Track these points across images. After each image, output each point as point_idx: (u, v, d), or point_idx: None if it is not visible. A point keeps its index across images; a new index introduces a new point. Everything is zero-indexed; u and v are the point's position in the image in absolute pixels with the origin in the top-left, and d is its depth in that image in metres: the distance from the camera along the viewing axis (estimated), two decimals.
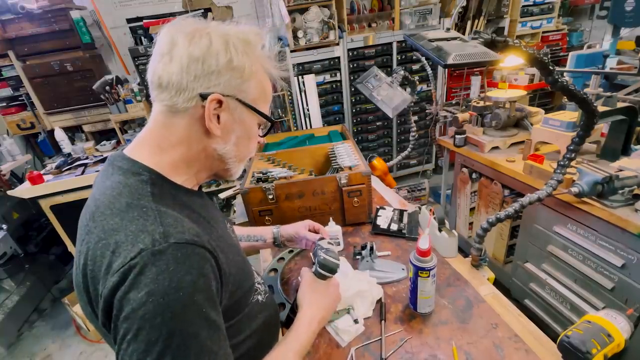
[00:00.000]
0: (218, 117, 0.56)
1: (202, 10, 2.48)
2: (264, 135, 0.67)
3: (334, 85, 3.10)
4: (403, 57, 3.13)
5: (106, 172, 0.57)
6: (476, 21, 3.13)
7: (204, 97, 0.53)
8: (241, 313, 0.65)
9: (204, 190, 0.76)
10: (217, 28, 0.55)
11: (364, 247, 1.10)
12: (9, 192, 2.08)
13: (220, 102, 0.55)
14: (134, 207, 0.49)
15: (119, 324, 0.44)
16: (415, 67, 3.17)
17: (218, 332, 0.49)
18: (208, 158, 0.60)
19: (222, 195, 2.28)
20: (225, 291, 0.55)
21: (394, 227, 1.27)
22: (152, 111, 0.58)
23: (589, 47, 2.51)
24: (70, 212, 2.14)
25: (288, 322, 0.86)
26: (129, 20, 2.53)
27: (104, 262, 0.45)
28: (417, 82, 3.17)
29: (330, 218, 1.19)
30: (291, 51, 2.84)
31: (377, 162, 1.86)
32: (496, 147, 1.88)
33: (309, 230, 1.03)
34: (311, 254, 1.15)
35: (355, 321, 0.88)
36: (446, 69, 2.71)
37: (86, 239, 0.50)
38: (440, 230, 1.12)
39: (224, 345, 0.51)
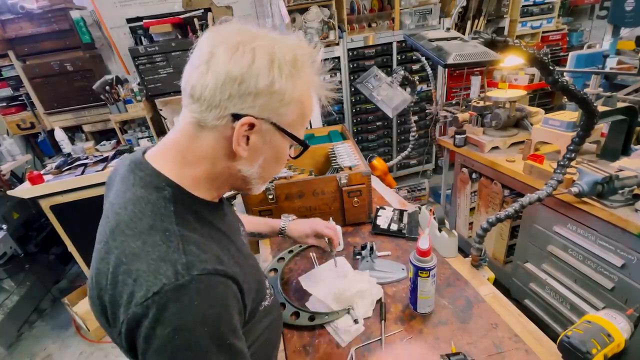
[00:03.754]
0: (247, 138, 0.53)
1: (202, 10, 2.48)
2: (296, 157, 0.63)
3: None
4: (403, 57, 3.13)
5: (126, 180, 0.55)
6: (476, 21, 3.13)
7: (235, 117, 0.50)
8: (250, 322, 0.64)
9: None
10: (265, 42, 0.50)
11: (364, 247, 1.10)
12: (9, 192, 2.08)
13: (252, 125, 0.51)
14: (156, 229, 0.48)
15: (149, 354, 0.44)
16: (415, 67, 3.17)
17: (242, 358, 0.50)
18: (231, 177, 0.58)
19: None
20: (247, 312, 0.56)
21: (394, 227, 1.27)
22: (180, 116, 0.55)
23: (589, 47, 2.51)
24: (70, 212, 2.13)
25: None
26: (129, 20, 2.52)
27: (126, 290, 0.45)
28: (417, 82, 3.17)
29: (330, 218, 1.19)
30: None
31: (377, 162, 1.86)
32: (496, 147, 1.88)
33: (318, 236, 1.03)
34: None
35: (355, 321, 0.89)
36: (446, 69, 2.71)
37: (106, 258, 0.49)
38: (440, 230, 1.12)
39: None
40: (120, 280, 0.46)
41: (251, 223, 1.04)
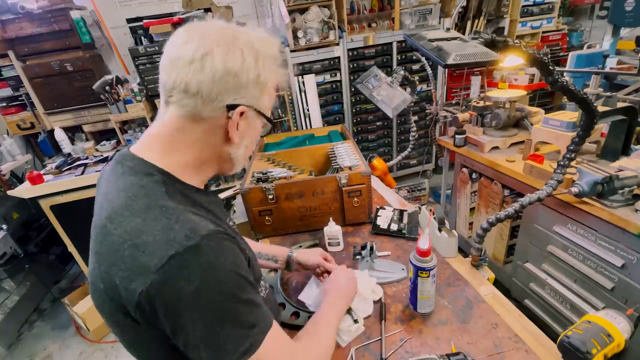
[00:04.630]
0: (237, 124, 0.59)
1: (202, 10, 2.48)
2: (264, 136, 0.69)
3: (334, 85, 3.10)
4: (403, 57, 3.13)
5: (115, 172, 0.58)
6: (476, 21, 3.13)
7: (230, 108, 0.56)
8: None
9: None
10: (247, 39, 0.57)
11: (364, 247, 1.10)
12: (9, 192, 2.08)
13: (242, 113, 0.58)
14: (153, 207, 0.52)
15: (179, 313, 0.48)
16: (415, 67, 3.17)
17: (259, 291, 0.59)
18: (219, 160, 0.64)
19: (222, 195, 2.27)
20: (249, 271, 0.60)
21: (394, 227, 1.27)
22: (165, 112, 0.58)
23: (589, 47, 2.50)
24: (70, 212, 2.13)
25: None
26: (129, 20, 2.52)
27: (137, 262, 0.47)
28: (417, 82, 3.17)
29: (330, 218, 1.19)
30: (291, 51, 2.83)
31: (377, 162, 1.86)
32: (496, 147, 1.88)
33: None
34: None
35: (355, 321, 0.89)
36: (446, 69, 2.71)
37: (105, 241, 0.51)
38: (440, 230, 1.12)
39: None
40: (127, 255, 0.48)
41: (261, 246, 1.05)
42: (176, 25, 2.44)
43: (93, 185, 2.11)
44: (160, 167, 0.57)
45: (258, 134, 0.67)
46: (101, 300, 0.53)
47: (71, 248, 2.26)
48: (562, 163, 1.17)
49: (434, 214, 1.11)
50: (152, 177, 0.55)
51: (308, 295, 1.02)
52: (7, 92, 2.53)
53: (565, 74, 2.09)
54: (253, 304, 0.54)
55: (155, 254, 0.47)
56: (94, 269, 0.53)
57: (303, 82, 2.96)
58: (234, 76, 0.54)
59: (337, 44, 2.93)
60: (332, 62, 3.00)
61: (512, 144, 1.89)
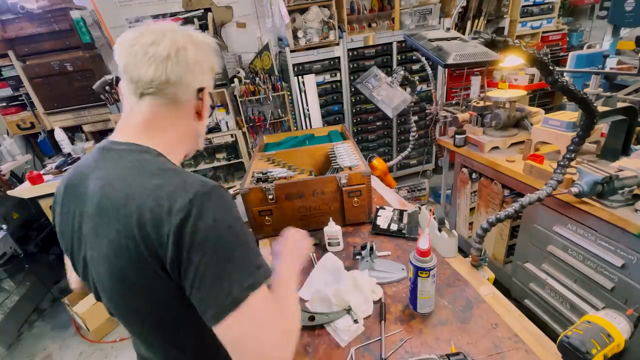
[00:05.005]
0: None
1: (202, 10, 2.48)
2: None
3: (334, 85, 3.10)
4: (403, 57, 3.13)
5: (106, 157, 0.63)
6: (476, 21, 3.14)
7: (199, 90, 0.68)
8: None
9: None
10: (200, 38, 0.68)
11: (364, 247, 1.10)
12: (9, 192, 2.08)
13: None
14: (165, 170, 0.60)
15: (194, 249, 0.54)
16: (415, 67, 3.17)
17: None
18: (191, 137, 0.73)
19: None
20: None
21: (394, 227, 1.27)
22: (138, 103, 0.65)
23: (589, 47, 2.51)
24: None
25: None
26: (129, 20, 2.53)
27: (164, 208, 0.54)
28: (417, 82, 3.17)
29: (330, 218, 1.19)
30: (291, 51, 2.84)
31: (377, 162, 1.86)
32: (496, 147, 1.88)
33: None
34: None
35: (355, 321, 0.89)
36: (446, 69, 2.71)
37: (130, 203, 0.56)
38: (440, 230, 1.12)
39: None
40: (155, 204, 0.55)
41: None
42: None
43: None
44: (151, 147, 0.64)
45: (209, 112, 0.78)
46: (129, 262, 0.56)
47: None
48: (562, 163, 1.17)
49: (434, 214, 1.11)
50: (150, 153, 0.63)
51: (307, 291, 1.02)
52: (7, 92, 2.54)
53: (565, 74, 2.09)
54: (257, 249, 0.61)
55: (178, 199, 0.54)
56: (112, 242, 0.57)
57: (303, 82, 2.96)
58: (201, 65, 0.66)
59: (337, 44, 2.93)
60: (332, 62, 3.00)
61: (512, 144, 1.89)
